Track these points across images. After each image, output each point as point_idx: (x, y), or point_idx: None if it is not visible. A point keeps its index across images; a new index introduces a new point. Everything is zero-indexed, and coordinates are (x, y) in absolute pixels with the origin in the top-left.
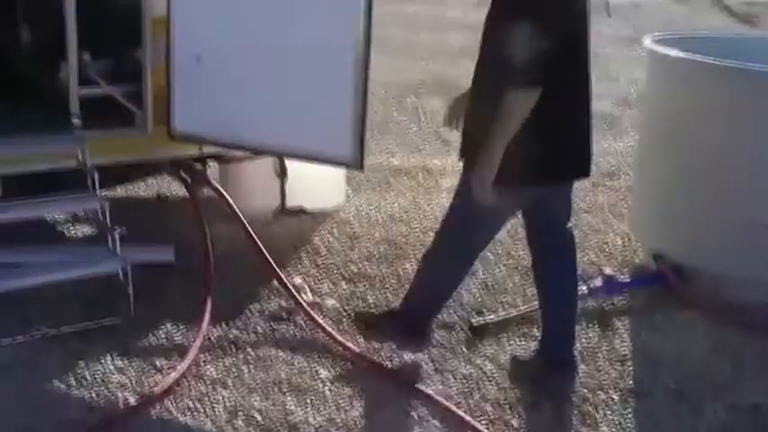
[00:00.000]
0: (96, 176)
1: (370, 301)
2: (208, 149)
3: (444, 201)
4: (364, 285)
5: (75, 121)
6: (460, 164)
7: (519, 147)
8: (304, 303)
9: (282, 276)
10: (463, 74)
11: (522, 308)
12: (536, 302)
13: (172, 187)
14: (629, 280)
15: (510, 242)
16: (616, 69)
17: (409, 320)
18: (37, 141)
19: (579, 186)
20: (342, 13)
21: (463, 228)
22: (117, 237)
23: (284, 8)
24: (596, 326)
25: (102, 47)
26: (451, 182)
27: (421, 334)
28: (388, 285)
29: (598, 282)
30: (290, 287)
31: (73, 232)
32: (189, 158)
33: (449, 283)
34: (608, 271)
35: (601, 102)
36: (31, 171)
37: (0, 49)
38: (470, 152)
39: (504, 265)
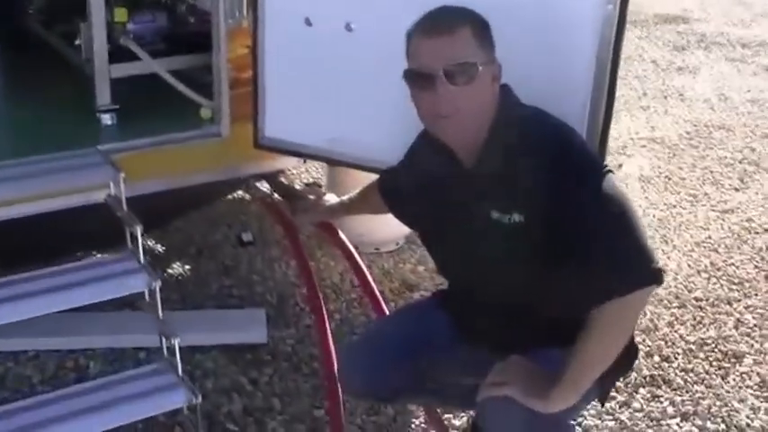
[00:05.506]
0: (140, 230)
1: None
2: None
3: None
4: None
5: (106, 119)
6: None
7: None
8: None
9: None
10: None
11: None
12: None
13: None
14: None
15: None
16: None
17: None
18: (36, 166)
19: None
20: None
21: None
22: (177, 345)
23: None
24: None
25: None
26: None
27: None
28: None
29: None
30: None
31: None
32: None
33: None
34: None
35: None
36: (33, 214)
37: None
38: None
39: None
